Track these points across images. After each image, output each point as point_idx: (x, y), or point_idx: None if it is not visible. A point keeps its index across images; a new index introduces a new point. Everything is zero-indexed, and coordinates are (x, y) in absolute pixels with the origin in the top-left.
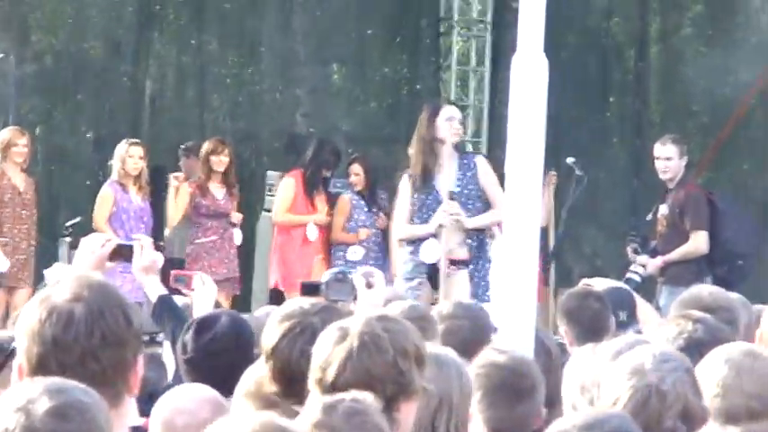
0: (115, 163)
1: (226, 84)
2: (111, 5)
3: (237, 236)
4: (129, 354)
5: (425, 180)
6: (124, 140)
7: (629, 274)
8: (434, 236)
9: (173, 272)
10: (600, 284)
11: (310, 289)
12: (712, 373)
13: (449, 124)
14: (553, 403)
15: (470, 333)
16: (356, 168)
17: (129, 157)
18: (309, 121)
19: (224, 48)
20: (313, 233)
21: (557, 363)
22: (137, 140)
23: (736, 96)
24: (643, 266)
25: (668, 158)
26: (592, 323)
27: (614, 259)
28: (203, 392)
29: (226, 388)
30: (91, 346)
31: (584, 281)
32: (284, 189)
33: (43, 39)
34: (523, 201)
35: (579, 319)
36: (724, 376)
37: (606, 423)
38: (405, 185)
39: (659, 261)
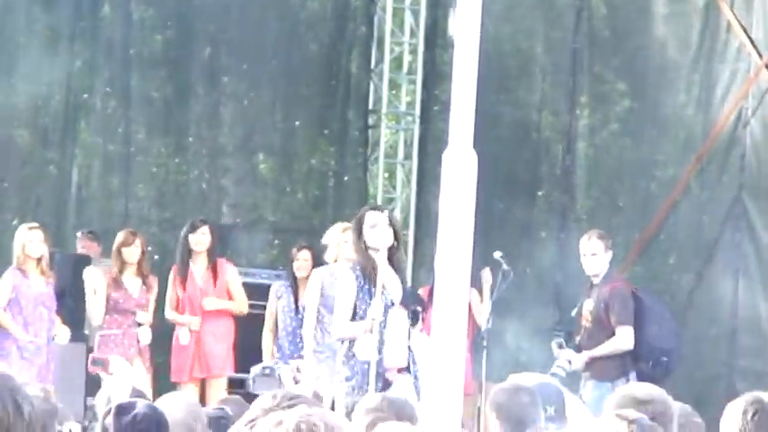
0: (16, 248)
1: (152, 173)
2: (39, 93)
3: (143, 334)
4: None
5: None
6: (23, 225)
7: (554, 369)
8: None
9: (90, 355)
10: (528, 380)
11: (237, 383)
12: None
13: (373, 232)
14: None
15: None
16: (305, 255)
17: (29, 241)
18: (236, 211)
19: (151, 137)
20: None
21: None
22: (36, 224)
23: (661, 192)
24: (568, 361)
25: (594, 254)
26: (521, 417)
27: (539, 354)
28: None
29: None
30: None
31: (512, 377)
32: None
33: None
34: (452, 294)
35: (509, 414)
36: None
37: None
38: (350, 282)
39: (585, 356)
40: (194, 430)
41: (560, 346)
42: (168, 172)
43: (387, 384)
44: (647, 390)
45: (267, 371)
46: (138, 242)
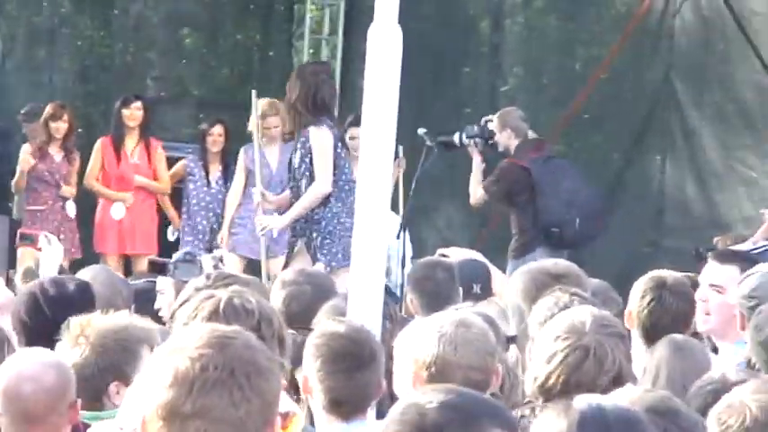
0: None
1: (77, 46)
2: None
3: (70, 207)
4: None
5: None
6: None
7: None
8: None
9: (18, 230)
10: (455, 254)
11: (158, 267)
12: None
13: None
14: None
15: (313, 298)
16: (219, 129)
17: None
18: (161, 84)
19: (77, 10)
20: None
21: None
22: None
23: (586, 71)
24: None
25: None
26: (438, 293)
27: (465, 230)
28: (46, 357)
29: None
30: None
31: (440, 251)
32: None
33: None
34: (376, 170)
35: (425, 289)
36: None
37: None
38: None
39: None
40: (115, 304)
41: None
42: (93, 44)
43: None
44: (559, 264)
45: (188, 257)
46: (65, 116)
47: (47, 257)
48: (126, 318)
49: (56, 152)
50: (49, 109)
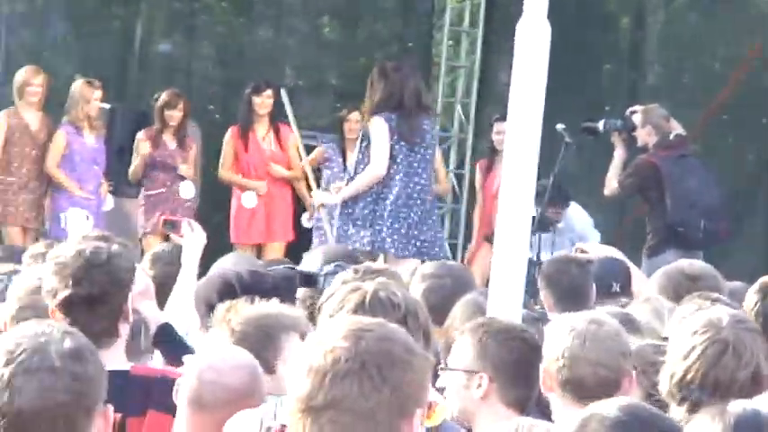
0: (72, 104)
1: (216, 32)
2: None
3: (185, 188)
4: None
5: None
6: (81, 80)
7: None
8: None
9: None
10: (594, 250)
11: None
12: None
13: None
14: None
15: (452, 291)
16: (356, 116)
17: (86, 98)
18: (299, 73)
19: None
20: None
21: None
22: (94, 80)
23: (727, 71)
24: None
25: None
26: (570, 288)
27: (603, 226)
28: (242, 358)
29: None
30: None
31: (578, 245)
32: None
33: None
34: (521, 165)
35: (558, 285)
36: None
37: None
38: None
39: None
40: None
41: None
42: (232, 31)
43: None
44: (695, 265)
45: (338, 269)
46: (180, 105)
47: (189, 244)
48: (272, 306)
49: (170, 140)
50: (164, 96)
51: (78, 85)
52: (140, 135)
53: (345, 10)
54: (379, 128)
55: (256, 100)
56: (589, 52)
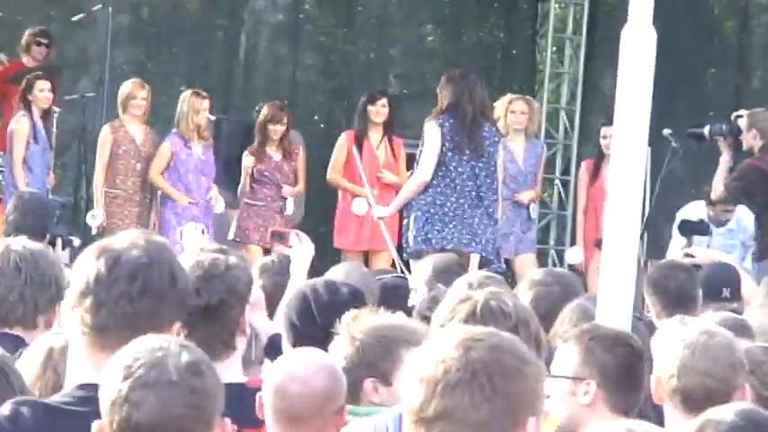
0: (182, 115)
1: (320, 42)
2: None
3: (289, 205)
4: (165, 310)
5: None
6: (190, 91)
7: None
8: None
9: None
10: (702, 255)
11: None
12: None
13: None
14: None
15: (560, 298)
16: None
17: (194, 109)
18: (402, 82)
19: (320, 6)
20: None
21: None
22: (202, 92)
23: None
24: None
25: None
26: (678, 294)
27: None
28: (319, 359)
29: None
30: (128, 290)
31: (686, 250)
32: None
33: None
34: (628, 170)
35: (665, 290)
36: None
37: None
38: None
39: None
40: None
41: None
42: (336, 41)
43: None
44: None
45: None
46: (285, 119)
47: (298, 255)
48: (396, 317)
49: (274, 152)
50: (267, 110)
51: (187, 95)
52: (246, 152)
53: (448, 19)
54: (431, 133)
55: (371, 109)
56: (694, 57)
